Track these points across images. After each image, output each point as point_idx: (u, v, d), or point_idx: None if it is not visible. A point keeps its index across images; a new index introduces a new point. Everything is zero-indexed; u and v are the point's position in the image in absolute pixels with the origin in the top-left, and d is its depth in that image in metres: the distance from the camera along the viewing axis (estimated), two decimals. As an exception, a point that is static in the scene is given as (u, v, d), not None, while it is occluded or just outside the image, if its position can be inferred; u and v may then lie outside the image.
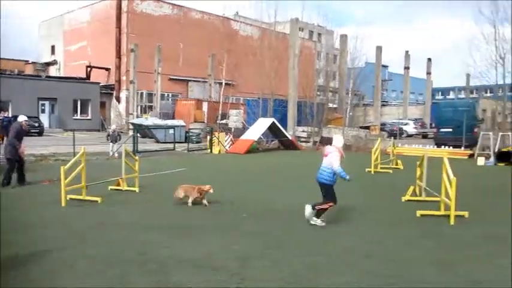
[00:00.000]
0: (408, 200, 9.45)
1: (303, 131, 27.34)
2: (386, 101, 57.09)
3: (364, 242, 6.48)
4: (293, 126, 27.31)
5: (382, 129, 34.45)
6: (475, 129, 23.44)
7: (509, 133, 20.86)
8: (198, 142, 24.90)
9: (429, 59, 48.62)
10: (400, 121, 38.48)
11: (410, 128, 36.40)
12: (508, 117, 28.61)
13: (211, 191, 8.74)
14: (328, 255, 5.78)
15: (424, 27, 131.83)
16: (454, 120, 23.36)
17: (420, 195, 9.61)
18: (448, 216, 7.62)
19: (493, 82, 25.03)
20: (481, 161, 18.25)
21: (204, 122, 30.66)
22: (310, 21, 54.31)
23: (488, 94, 38.42)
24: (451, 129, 23.77)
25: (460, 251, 6.10)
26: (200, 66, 37.32)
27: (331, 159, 7.34)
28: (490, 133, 20.94)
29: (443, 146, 22.16)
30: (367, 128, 33.06)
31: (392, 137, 23.17)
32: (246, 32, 44.41)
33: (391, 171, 15.06)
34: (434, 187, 8.66)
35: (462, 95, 59.58)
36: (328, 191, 7.41)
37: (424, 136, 34.21)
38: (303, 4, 78.46)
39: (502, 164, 17.67)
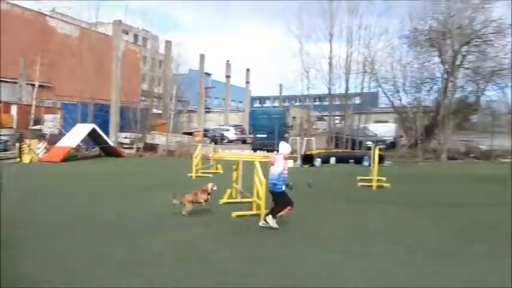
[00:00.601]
0: (225, 203, 10.04)
1: (126, 137, 26.63)
2: (210, 108, 59.18)
3: (179, 245, 6.68)
4: (115, 132, 26.42)
5: (205, 135, 35.60)
6: (286, 135, 26.09)
7: (313, 138, 23.77)
8: (5, 150, 22.17)
9: (248, 69, 52.18)
10: (222, 127, 40.36)
11: (231, 134, 38.37)
12: (312, 124, 32.49)
13: (215, 187, 8.96)
14: (143, 261, 5.82)
15: (245, 39, 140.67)
16: (268, 127, 25.67)
17: (236, 198, 10.30)
18: (259, 215, 8.28)
19: (300, 92, 28.05)
20: (290, 163, 20.30)
21: (12, 128, 27.40)
22: (135, 25, 53.28)
23: (298, 103, 42.90)
24: (265, 135, 26.02)
25: (268, 247, 6.69)
26: (9, 65, 33.27)
27: (278, 165, 7.60)
28: (298, 138, 23.52)
29: (259, 151, 23.99)
30: (191, 133, 33.84)
31: (213, 143, 24.25)
32: (65, 31, 41.23)
33: (211, 175, 15.75)
34: (250, 189, 9.25)
35: (276, 104, 65.26)
36: (281, 197, 7.70)
37: (244, 141, 36.51)
38: (126, 7, 76.40)
39: (306, 166, 20.01)
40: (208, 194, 8.90)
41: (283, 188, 7.81)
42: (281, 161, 7.80)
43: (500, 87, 24.90)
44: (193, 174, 15.22)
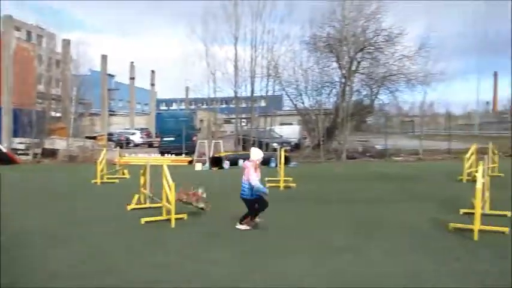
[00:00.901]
0: (133, 209, 9.80)
1: (21, 143, 24.73)
2: (114, 111, 57.03)
3: (91, 256, 6.47)
4: (8, 137, 24.42)
5: (109, 139, 34.31)
6: (194, 138, 26.06)
7: (221, 141, 23.99)
8: None
9: (153, 71, 51.13)
10: (127, 131, 39.15)
11: (137, 138, 37.42)
12: (219, 127, 32.74)
13: (204, 195, 9.08)
14: (57, 274, 5.59)
15: (150, 40, 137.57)
16: (176, 130, 25.46)
17: (145, 203, 10.11)
18: (170, 220, 8.27)
19: (207, 95, 27.97)
20: (198, 166, 20.36)
21: None
22: (28, 21, 49.62)
23: (205, 106, 43.00)
24: (173, 138, 25.80)
25: (180, 251, 6.70)
26: None
27: (248, 174, 7.43)
28: (206, 141, 23.58)
29: (166, 154, 23.75)
30: (94, 138, 32.37)
31: (118, 147, 23.48)
32: None
33: (117, 181, 15.25)
34: (159, 194, 9.09)
35: (183, 106, 64.63)
36: (248, 205, 7.71)
37: (150, 145, 35.80)
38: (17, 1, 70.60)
39: (215, 168, 20.16)
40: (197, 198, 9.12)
41: (252, 196, 7.72)
42: (251, 168, 7.68)
43: (391, 91, 27.06)
44: (98, 180, 14.60)
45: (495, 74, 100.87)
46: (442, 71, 25.57)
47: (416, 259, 6.18)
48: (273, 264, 5.99)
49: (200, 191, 9.22)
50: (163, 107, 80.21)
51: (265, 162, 20.98)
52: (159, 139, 28.72)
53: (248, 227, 7.96)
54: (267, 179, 14.14)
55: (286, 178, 13.53)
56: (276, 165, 15.83)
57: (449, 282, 5.30)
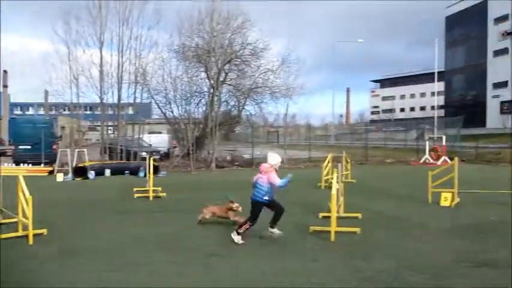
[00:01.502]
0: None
1: None
2: (-45, 114, 50.25)
3: None
4: None
5: (-51, 147, 30.18)
6: (54, 146, 24.29)
7: (85, 149, 22.75)
8: None
9: (5, 71, 46.31)
10: (-28, 138, 34.87)
11: (-15, 145, 33.55)
12: (83, 135, 30.96)
13: (240, 209, 8.87)
14: None
15: (2, 38, 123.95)
16: (33, 137, 23.50)
17: (-4, 219, 9.22)
18: (27, 236, 7.70)
19: (69, 100, 26.14)
20: (60, 177, 19.01)
21: None
22: None
23: (67, 112, 40.25)
24: (30, 146, 23.76)
25: (40, 269, 6.27)
26: None
27: (270, 178, 7.36)
28: (68, 150, 22.15)
29: (23, 164, 21.79)
30: None
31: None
32: None
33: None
34: (14, 208, 8.43)
35: (42, 111, 59.56)
36: (255, 209, 7.54)
37: (3, 153, 32.32)
38: None
39: (79, 179, 19.04)
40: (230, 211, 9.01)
41: (265, 201, 7.54)
42: (271, 172, 7.49)
43: (257, 103, 28.49)
44: None
45: (347, 90, 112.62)
46: (301, 86, 27.81)
47: (278, 261, 6.63)
48: (142, 277, 5.96)
49: (236, 204, 9.01)
50: (17, 112, 73.01)
51: (133, 171, 20.57)
52: (13, 147, 26.11)
53: (242, 241, 7.54)
54: (135, 189, 13.88)
55: (155, 188, 13.40)
56: (145, 175, 15.57)
57: (307, 280, 5.77)
